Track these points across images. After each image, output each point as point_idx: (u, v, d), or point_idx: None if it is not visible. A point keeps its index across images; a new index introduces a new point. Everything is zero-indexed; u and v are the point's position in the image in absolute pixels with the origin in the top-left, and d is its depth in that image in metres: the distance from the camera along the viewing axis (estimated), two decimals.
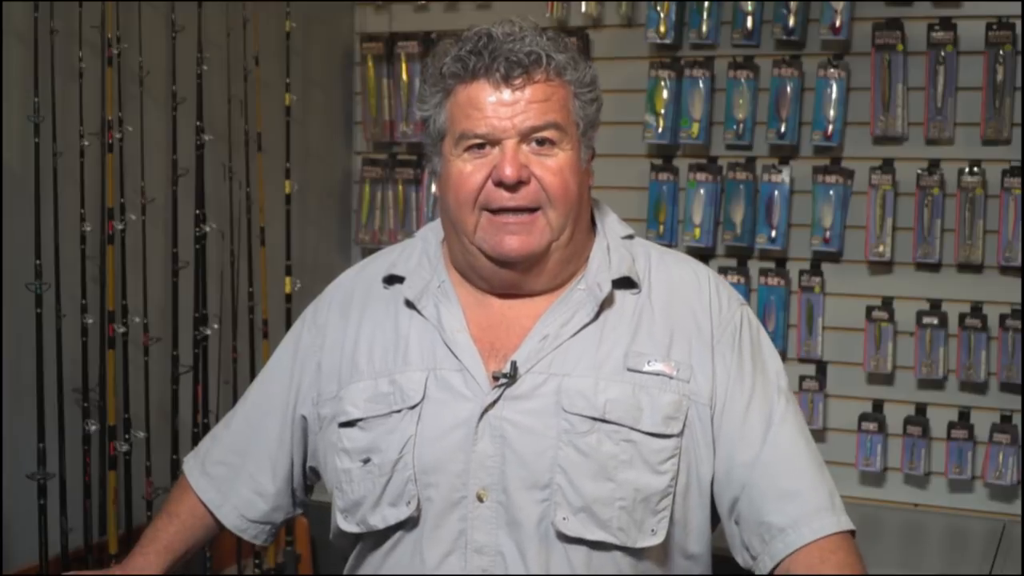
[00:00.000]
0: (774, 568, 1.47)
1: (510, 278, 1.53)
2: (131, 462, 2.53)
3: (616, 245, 1.59)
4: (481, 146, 1.49)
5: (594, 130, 1.56)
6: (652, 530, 1.47)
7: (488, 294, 1.56)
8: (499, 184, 1.47)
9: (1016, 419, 2.87)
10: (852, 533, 1.49)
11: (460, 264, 1.57)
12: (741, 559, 1.52)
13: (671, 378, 1.50)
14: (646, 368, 1.50)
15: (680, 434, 1.49)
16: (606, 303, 1.53)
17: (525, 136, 1.48)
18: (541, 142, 1.49)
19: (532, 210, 1.49)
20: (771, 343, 1.61)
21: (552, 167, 1.49)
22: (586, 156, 1.55)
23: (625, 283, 1.55)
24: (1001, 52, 2.85)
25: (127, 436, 2.52)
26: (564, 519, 1.45)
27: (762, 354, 1.57)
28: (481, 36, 1.49)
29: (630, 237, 1.62)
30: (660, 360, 1.51)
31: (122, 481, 2.53)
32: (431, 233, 1.66)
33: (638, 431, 1.47)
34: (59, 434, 2.41)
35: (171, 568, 1.66)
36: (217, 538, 1.76)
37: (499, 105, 1.47)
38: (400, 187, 3.44)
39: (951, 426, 2.92)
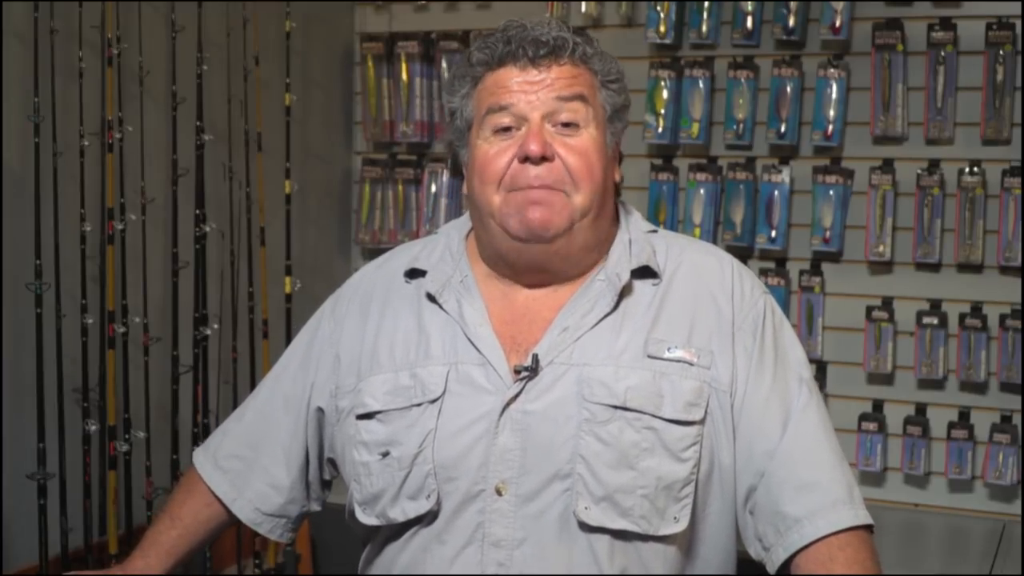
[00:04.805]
0: (788, 560, 1.46)
1: (534, 258, 1.52)
2: (131, 462, 2.53)
3: (638, 238, 1.59)
4: (507, 129, 1.49)
5: (621, 121, 1.56)
6: (675, 518, 1.46)
7: (514, 284, 1.56)
8: (524, 160, 1.48)
9: (1016, 419, 2.87)
10: (870, 527, 1.48)
11: (487, 252, 1.57)
12: (753, 550, 1.51)
13: (692, 364, 1.50)
14: (667, 355, 1.50)
15: (702, 421, 1.48)
16: (625, 292, 1.53)
17: (550, 114, 1.49)
18: (566, 124, 1.50)
19: (556, 190, 1.49)
20: (793, 333, 1.60)
21: (576, 147, 1.49)
22: (612, 143, 1.55)
23: (645, 272, 1.55)
24: (1001, 52, 2.85)
25: (127, 436, 2.52)
26: (586, 508, 1.44)
27: (784, 343, 1.56)
28: (510, 27, 1.51)
29: (654, 231, 1.63)
30: (681, 347, 1.50)
31: (122, 481, 2.53)
32: (454, 230, 1.66)
33: (660, 418, 1.46)
34: (59, 434, 2.41)
35: (171, 570, 1.66)
36: (217, 538, 1.76)
37: (525, 83, 1.49)
38: (400, 187, 3.45)
39: (951, 426, 2.92)
